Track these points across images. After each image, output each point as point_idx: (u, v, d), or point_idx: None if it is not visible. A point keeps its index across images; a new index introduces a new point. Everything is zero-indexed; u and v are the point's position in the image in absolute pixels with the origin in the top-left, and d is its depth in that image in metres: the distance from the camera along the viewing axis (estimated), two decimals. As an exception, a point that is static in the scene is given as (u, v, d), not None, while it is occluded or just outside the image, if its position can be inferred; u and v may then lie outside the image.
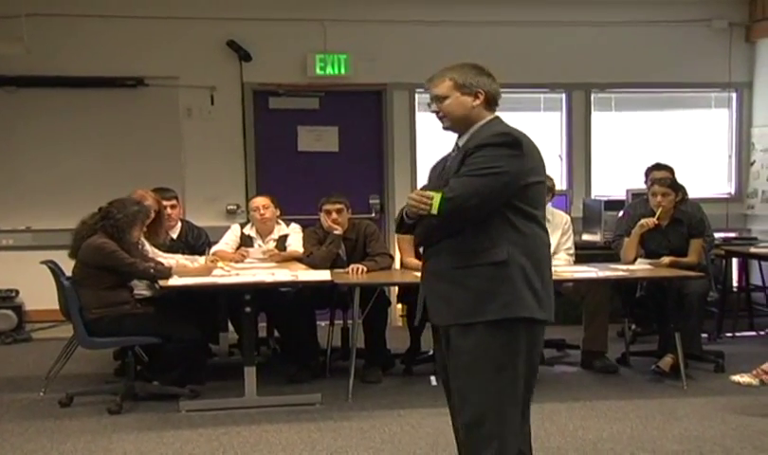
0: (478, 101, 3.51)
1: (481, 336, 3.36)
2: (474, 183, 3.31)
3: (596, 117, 9.25)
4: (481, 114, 3.52)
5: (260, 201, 7.23)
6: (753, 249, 8.23)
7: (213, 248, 7.13)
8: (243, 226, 7.33)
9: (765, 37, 9.20)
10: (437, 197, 3.27)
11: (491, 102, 3.56)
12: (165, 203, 6.89)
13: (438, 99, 3.57)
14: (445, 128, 3.58)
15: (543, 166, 3.52)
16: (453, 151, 3.57)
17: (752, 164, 9.43)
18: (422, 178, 8.59)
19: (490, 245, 3.35)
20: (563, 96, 9.26)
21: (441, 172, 3.55)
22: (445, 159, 3.62)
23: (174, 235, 7.09)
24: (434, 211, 3.27)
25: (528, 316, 3.38)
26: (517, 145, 3.36)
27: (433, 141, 9.05)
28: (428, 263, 3.53)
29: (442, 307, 3.46)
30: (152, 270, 6.07)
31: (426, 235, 3.50)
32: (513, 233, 3.37)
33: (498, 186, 3.31)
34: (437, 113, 3.58)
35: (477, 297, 3.35)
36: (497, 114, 3.56)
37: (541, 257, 3.45)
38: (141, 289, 6.34)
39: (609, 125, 9.40)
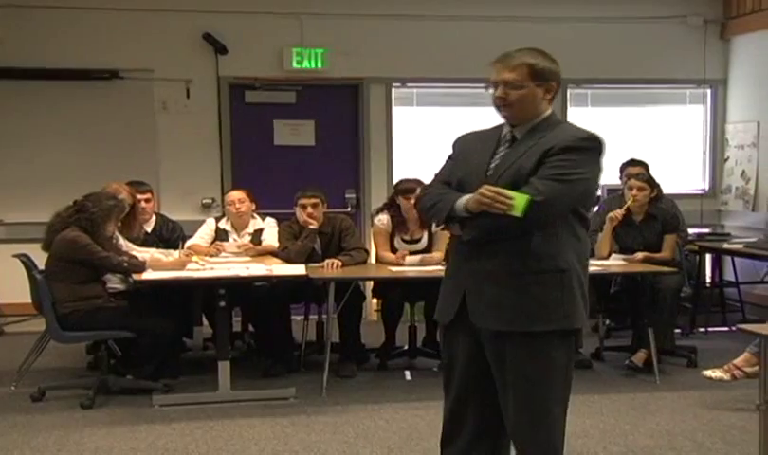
0: (549, 95, 3.28)
1: (542, 346, 3.19)
2: (562, 189, 3.11)
3: (572, 112, 9.26)
4: (543, 107, 3.28)
5: (235, 195, 7.20)
6: (726, 245, 8.28)
7: (188, 242, 7.09)
8: (218, 219, 7.30)
9: (740, 34, 9.26)
10: (521, 198, 3.01)
11: (554, 97, 3.34)
12: (139, 196, 6.84)
13: (507, 84, 3.22)
14: (503, 116, 3.28)
15: None
16: (505, 139, 3.29)
17: (726, 160, 9.49)
18: (398, 172, 8.60)
19: (556, 252, 3.18)
20: (539, 91, 9.26)
21: (500, 165, 3.22)
22: (485, 142, 3.34)
23: (149, 229, 7.05)
24: (517, 213, 3.01)
25: (580, 326, 3.27)
26: (601, 151, 3.23)
27: (409, 136, 9.08)
28: (476, 262, 3.23)
29: (494, 311, 3.20)
30: (125, 264, 6.04)
31: (487, 233, 3.17)
32: (574, 240, 3.24)
33: (580, 193, 3.21)
34: (501, 99, 3.24)
35: (541, 305, 3.17)
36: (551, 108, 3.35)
37: (587, 263, 3.36)
38: (115, 283, 6.30)
39: (585, 121, 9.39)
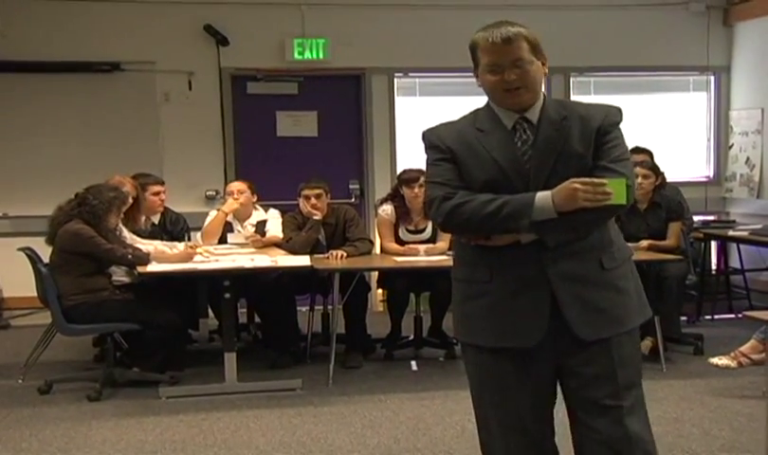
0: (545, 71, 2.91)
1: (636, 340, 2.99)
2: (632, 168, 2.91)
3: (576, 100, 9.25)
4: (541, 86, 2.93)
5: (235, 185, 7.23)
6: (731, 232, 8.27)
7: (199, 234, 7.14)
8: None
9: (743, 20, 9.22)
10: (619, 184, 2.73)
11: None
12: (154, 189, 6.88)
13: (516, 64, 2.82)
14: (516, 102, 2.86)
15: None
16: (518, 126, 2.87)
17: (730, 147, 9.47)
18: (401, 163, 8.58)
19: (621, 239, 2.98)
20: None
21: (541, 156, 2.83)
22: (490, 134, 2.88)
23: (156, 220, 7.06)
24: (622, 201, 2.74)
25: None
26: None
27: (412, 126, 9.06)
28: (557, 265, 2.81)
29: (597, 317, 2.83)
30: (129, 256, 6.04)
31: (583, 231, 2.82)
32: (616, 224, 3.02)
33: None
34: (519, 80, 2.82)
35: (632, 299, 2.92)
36: None
37: None
38: (120, 276, 6.31)
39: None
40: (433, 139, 2.97)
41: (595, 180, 2.71)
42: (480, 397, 2.99)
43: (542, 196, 2.75)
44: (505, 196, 2.78)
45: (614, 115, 2.91)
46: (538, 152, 2.84)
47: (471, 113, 2.99)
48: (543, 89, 2.93)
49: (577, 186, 2.70)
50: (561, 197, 2.73)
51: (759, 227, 8.11)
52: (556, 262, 2.81)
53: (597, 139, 2.84)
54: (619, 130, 2.90)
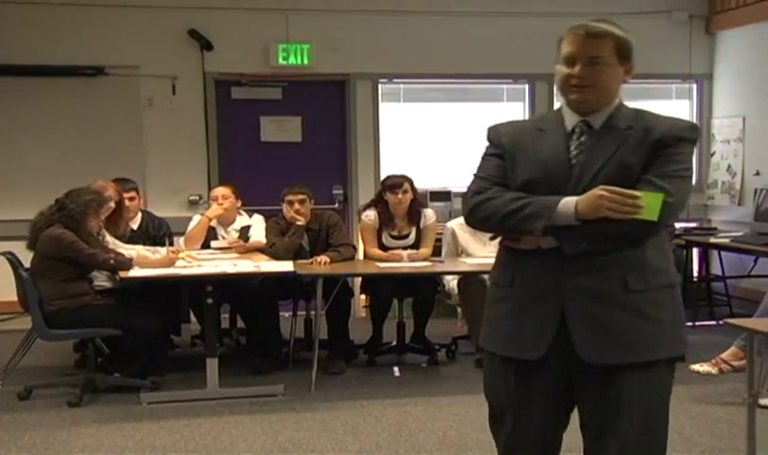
0: (626, 77, 2.76)
1: (661, 377, 2.73)
2: (685, 187, 2.69)
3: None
4: (619, 92, 2.79)
5: (220, 191, 7.23)
6: (713, 240, 8.30)
7: (182, 238, 7.12)
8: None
9: (725, 29, 9.27)
10: (654, 198, 2.54)
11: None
12: (128, 194, 6.84)
13: (592, 61, 2.68)
14: (575, 100, 2.74)
15: None
16: (577, 130, 2.75)
17: (712, 155, 9.52)
18: (385, 168, 8.58)
19: (666, 264, 2.74)
20: (526, 86, 9.26)
21: (588, 162, 2.69)
22: (546, 135, 2.78)
23: (135, 226, 7.03)
24: (652, 217, 2.54)
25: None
26: (697, 141, 2.82)
27: (396, 132, 9.07)
28: (576, 279, 2.66)
29: (608, 340, 2.64)
30: (111, 261, 6.01)
31: (603, 243, 2.63)
32: (669, 247, 2.84)
33: (690, 190, 2.78)
34: (581, 78, 2.69)
35: (661, 329, 2.68)
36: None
37: None
38: (102, 281, 6.29)
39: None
40: (491, 134, 2.90)
41: (627, 191, 2.54)
42: (493, 400, 2.90)
43: (566, 201, 2.61)
44: (532, 197, 2.66)
45: (681, 129, 2.71)
46: (587, 157, 2.69)
47: (543, 113, 2.89)
48: (619, 98, 2.79)
49: (604, 193, 2.55)
50: (585, 203, 2.58)
51: (741, 234, 8.15)
52: (574, 274, 2.65)
53: (653, 151, 2.66)
54: (683, 145, 2.69)
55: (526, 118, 9.14)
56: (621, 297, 2.64)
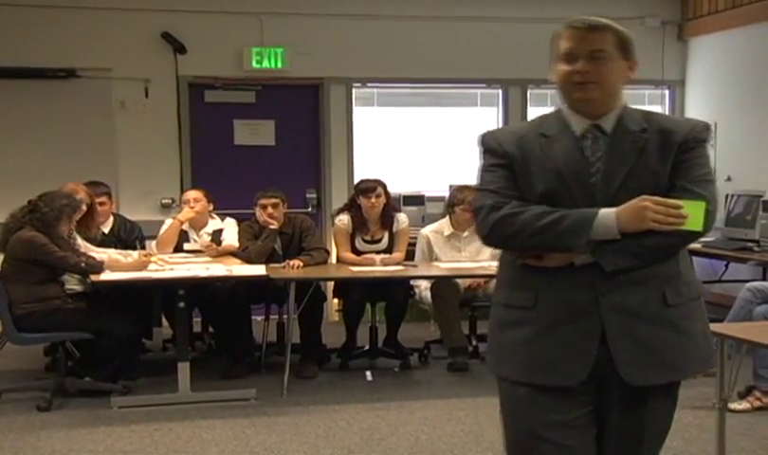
0: (630, 75, 2.64)
1: (677, 396, 2.68)
2: (715, 192, 2.56)
3: (532, 112, 9.29)
4: (622, 93, 2.64)
5: (191, 194, 7.19)
6: (684, 244, 8.34)
7: (154, 242, 7.08)
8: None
9: (697, 35, 9.35)
10: (697, 208, 2.43)
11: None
12: (99, 199, 6.80)
13: (595, 55, 2.54)
14: (583, 98, 2.57)
15: None
16: (588, 135, 2.58)
17: (684, 161, 9.57)
18: (359, 173, 8.58)
19: (693, 274, 2.63)
20: (500, 91, 9.28)
21: (611, 170, 2.52)
22: (554, 142, 2.59)
23: (106, 230, 6.97)
24: (698, 227, 2.43)
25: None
26: None
27: (370, 136, 9.07)
28: (612, 296, 2.48)
29: (651, 359, 2.50)
30: (83, 264, 5.97)
31: (647, 258, 2.47)
32: (690, 257, 2.69)
33: None
34: (585, 74, 2.54)
35: (695, 343, 2.57)
36: None
37: None
38: (73, 284, 6.23)
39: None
40: (491, 143, 2.65)
41: (670, 201, 2.41)
42: (512, 434, 2.66)
43: (606, 213, 2.43)
44: (563, 210, 2.47)
45: (701, 131, 2.58)
46: (608, 164, 2.52)
47: (539, 117, 2.72)
48: (623, 100, 2.65)
49: (648, 204, 2.40)
50: (628, 215, 2.41)
51: (712, 239, 8.18)
52: (611, 290, 2.47)
53: (678, 156, 2.52)
54: (704, 148, 2.57)
55: (499, 122, 9.20)
56: (660, 312, 2.50)
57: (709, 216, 2.45)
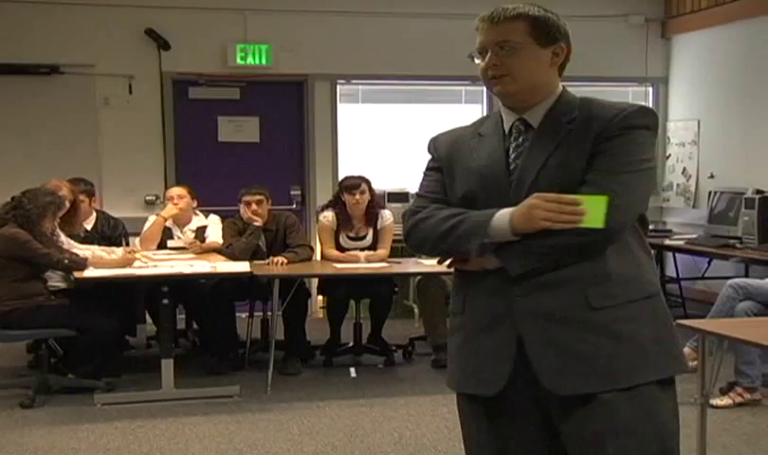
0: (557, 61, 2.46)
1: (655, 399, 2.35)
2: (640, 182, 2.33)
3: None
4: (553, 79, 2.46)
5: (175, 191, 7.19)
6: (668, 242, 8.39)
7: (138, 239, 7.07)
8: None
9: (680, 33, 9.38)
10: (597, 202, 2.20)
11: (564, 66, 2.51)
12: (82, 197, 6.78)
13: (502, 46, 2.38)
14: (500, 93, 2.42)
15: None
16: (515, 131, 2.43)
17: (667, 158, 9.61)
18: (343, 169, 8.57)
19: (638, 271, 2.37)
20: (484, 88, 9.24)
21: (529, 166, 2.36)
22: (484, 141, 2.47)
23: (89, 226, 6.95)
24: (597, 224, 2.20)
25: (687, 369, 2.52)
26: (657, 126, 2.43)
27: (354, 133, 9.07)
28: (529, 299, 2.32)
29: (576, 367, 2.29)
30: (66, 261, 5.95)
31: (552, 259, 2.29)
32: (644, 253, 2.43)
33: (651, 185, 2.42)
34: (494, 67, 2.39)
35: (640, 348, 2.32)
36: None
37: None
38: (56, 281, 6.21)
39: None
40: (430, 146, 2.59)
41: (565, 196, 2.23)
42: (470, 446, 2.54)
43: (501, 214, 2.29)
44: (467, 213, 2.35)
45: (629, 116, 2.34)
46: (525, 161, 2.37)
47: (486, 115, 2.61)
48: (561, 86, 2.49)
49: (538, 202, 2.23)
50: (519, 216, 2.26)
51: (695, 236, 8.24)
52: (527, 295, 2.31)
53: (597, 146, 2.31)
54: (634, 134, 2.32)
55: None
56: (585, 316, 2.29)
57: (618, 211, 2.23)
